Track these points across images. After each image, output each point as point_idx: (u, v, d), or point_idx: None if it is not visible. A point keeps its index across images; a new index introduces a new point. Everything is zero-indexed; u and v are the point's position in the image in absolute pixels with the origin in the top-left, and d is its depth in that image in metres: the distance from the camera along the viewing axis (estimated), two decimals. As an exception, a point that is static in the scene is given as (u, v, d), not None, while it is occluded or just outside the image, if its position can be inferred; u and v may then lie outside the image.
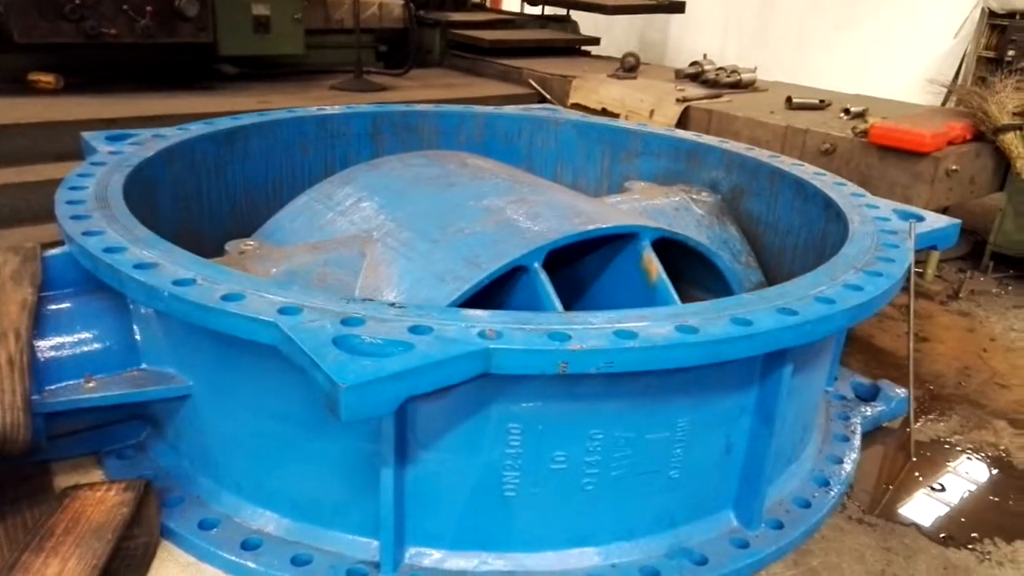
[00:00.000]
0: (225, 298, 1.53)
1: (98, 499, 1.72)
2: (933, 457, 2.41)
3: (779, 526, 1.92)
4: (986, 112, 3.58)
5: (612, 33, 9.23)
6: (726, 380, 1.74)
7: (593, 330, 1.50)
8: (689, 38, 9.21)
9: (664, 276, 2.29)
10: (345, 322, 1.46)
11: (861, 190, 2.64)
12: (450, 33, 6.38)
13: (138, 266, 1.64)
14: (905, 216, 2.39)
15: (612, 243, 2.37)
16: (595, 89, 5.00)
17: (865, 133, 3.54)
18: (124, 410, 1.92)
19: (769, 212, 2.97)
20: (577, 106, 4.97)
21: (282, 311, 1.49)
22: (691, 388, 1.70)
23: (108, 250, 1.71)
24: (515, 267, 2.09)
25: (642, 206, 2.91)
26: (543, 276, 2.09)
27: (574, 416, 1.63)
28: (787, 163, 2.96)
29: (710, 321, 1.57)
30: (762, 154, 3.07)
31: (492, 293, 2.14)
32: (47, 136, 3.70)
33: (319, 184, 2.73)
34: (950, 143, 3.47)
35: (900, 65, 7.41)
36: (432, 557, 1.72)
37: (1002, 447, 2.47)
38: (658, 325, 1.54)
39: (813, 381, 2.07)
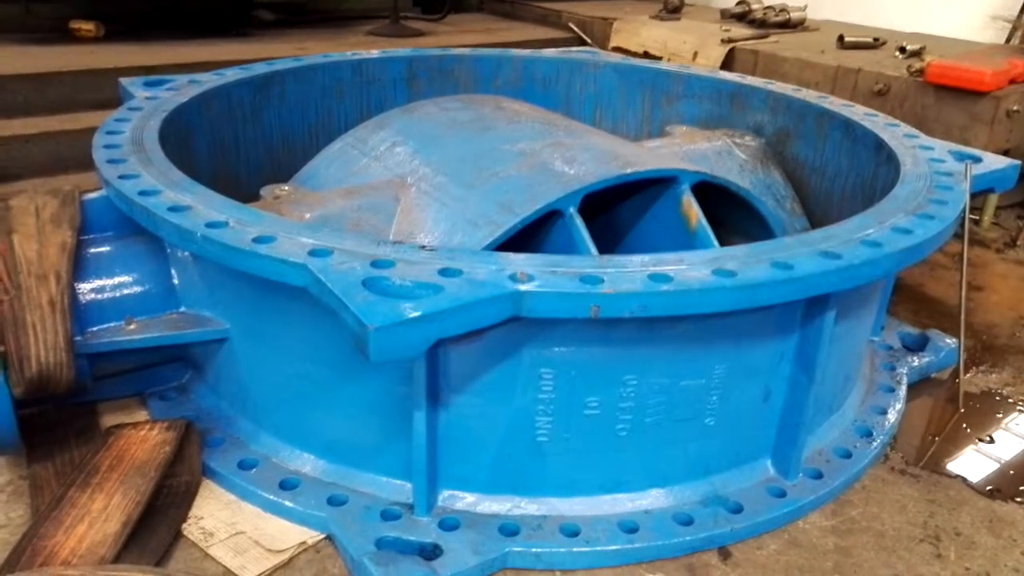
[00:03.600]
0: (256, 240, 1.53)
1: (141, 438, 1.77)
2: (983, 409, 2.33)
3: (818, 476, 1.89)
4: (1053, 48, 3.38)
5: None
6: (766, 326, 1.69)
7: (627, 274, 1.47)
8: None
9: (704, 222, 2.23)
10: (375, 264, 1.45)
11: (915, 131, 2.52)
12: (489, -24, 6.24)
13: (172, 208, 1.65)
14: (961, 157, 2.27)
15: (650, 188, 2.30)
16: (637, 32, 4.86)
17: (921, 72, 3.37)
18: (165, 352, 1.95)
19: (816, 156, 2.86)
20: (619, 49, 4.83)
21: (312, 253, 1.48)
22: (729, 334, 1.66)
23: (143, 193, 1.72)
24: (550, 212, 2.05)
25: (683, 150, 2.83)
26: (578, 221, 2.05)
27: (608, 361, 1.61)
28: (836, 104, 2.83)
29: (749, 265, 1.52)
30: (809, 95, 2.94)
31: (527, 238, 2.10)
32: (88, 84, 3.74)
33: (354, 129, 2.71)
34: (1012, 81, 3.29)
35: (961, 1, 7.02)
36: (465, 500, 1.73)
37: (1056, 399, 2.38)
38: (695, 269, 1.50)
39: (857, 329, 2.01)
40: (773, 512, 1.78)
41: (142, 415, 2.05)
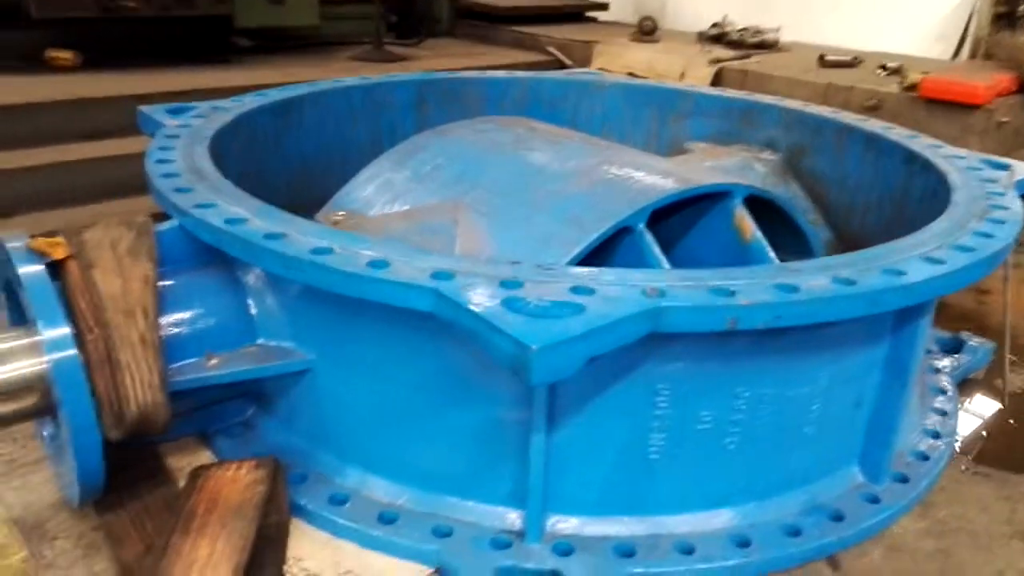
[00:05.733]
0: (371, 265, 1.47)
1: (230, 478, 1.67)
2: (1024, 406, 2.42)
3: (904, 479, 1.91)
4: (1032, 63, 3.58)
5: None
6: (863, 332, 1.72)
7: (753, 284, 1.47)
8: (688, 2, 9.11)
9: (759, 234, 2.26)
10: (503, 284, 1.41)
11: (937, 141, 2.62)
12: (460, 2, 6.27)
13: (268, 236, 1.58)
14: (993, 165, 2.37)
15: (701, 202, 2.33)
16: (620, 54, 4.95)
17: (913, 87, 3.52)
18: (238, 387, 1.86)
19: (834, 169, 2.94)
20: (601, 71, 4.90)
21: (435, 276, 1.44)
22: (831, 342, 1.68)
23: (230, 221, 1.64)
24: (620, 228, 2.05)
25: (707, 166, 2.88)
26: (649, 237, 2.06)
27: (722, 374, 1.61)
28: (851, 118, 2.93)
29: (863, 272, 1.55)
30: (823, 110, 3.04)
31: (591, 256, 2.09)
32: (76, 114, 3.59)
33: (387, 153, 2.66)
34: (998, 95, 3.47)
35: (905, 22, 7.39)
36: (573, 524, 1.69)
37: (1088, 394, 2.49)
38: (813, 278, 1.51)
39: (927, 333, 2.06)
40: (872, 519, 1.79)
41: (206, 455, 1.95)
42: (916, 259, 1.61)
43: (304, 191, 2.97)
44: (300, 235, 1.60)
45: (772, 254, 2.26)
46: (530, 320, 1.29)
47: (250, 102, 2.76)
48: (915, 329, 1.73)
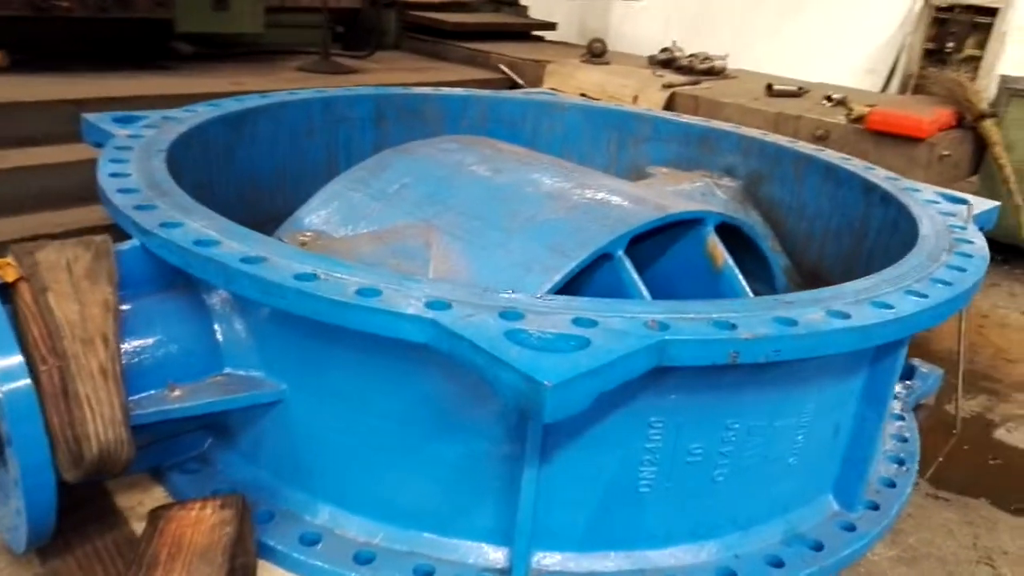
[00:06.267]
0: (361, 293, 1.39)
1: (194, 519, 1.55)
2: (976, 430, 2.50)
3: (875, 507, 1.93)
4: (969, 99, 3.75)
5: (550, 19, 9.20)
6: (847, 363, 1.73)
7: (752, 317, 1.45)
8: (630, 25, 9.26)
9: (731, 262, 2.27)
10: (503, 315, 1.36)
11: (894, 174, 2.70)
12: (407, 15, 6.19)
13: (245, 260, 1.48)
14: (950, 199, 2.45)
15: (674, 228, 2.32)
16: (572, 75, 4.95)
17: (860, 119, 3.63)
18: (200, 420, 1.73)
19: (792, 197, 3.00)
20: (554, 91, 4.90)
21: (430, 305, 1.37)
22: (819, 372, 1.68)
23: (201, 243, 1.54)
24: (600, 255, 2.02)
25: (671, 191, 2.88)
26: (628, 264, 2.04)
27: (714, 407, 1.59)
28: (809, 148, 3.00)
29: (853, 306, 1.55)
30: (780, 139, 3.10)
31: (568, 282, 2.06)
32: (5, 118, 3.34)
33: (349, 171, 2.57)
34: (940, 129, 3.61)
35: (837, 55, 7.68)
36: (559, 560, 1.64)
37: (1032, 419, 2.59)
38: (808, 311, 1.51)
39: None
40: (849, 547, 1.80)
41: (159, 492, 1.82)
42: (901, 292, 1.63)
43: (254, 205, 2.85)
44: (280, 258, 1.50)
45: (743, 281, 2.27)
46: (537, 354, 1.23)
47: (204, 112, 2.63)
48: (894, 359, 1.76)
